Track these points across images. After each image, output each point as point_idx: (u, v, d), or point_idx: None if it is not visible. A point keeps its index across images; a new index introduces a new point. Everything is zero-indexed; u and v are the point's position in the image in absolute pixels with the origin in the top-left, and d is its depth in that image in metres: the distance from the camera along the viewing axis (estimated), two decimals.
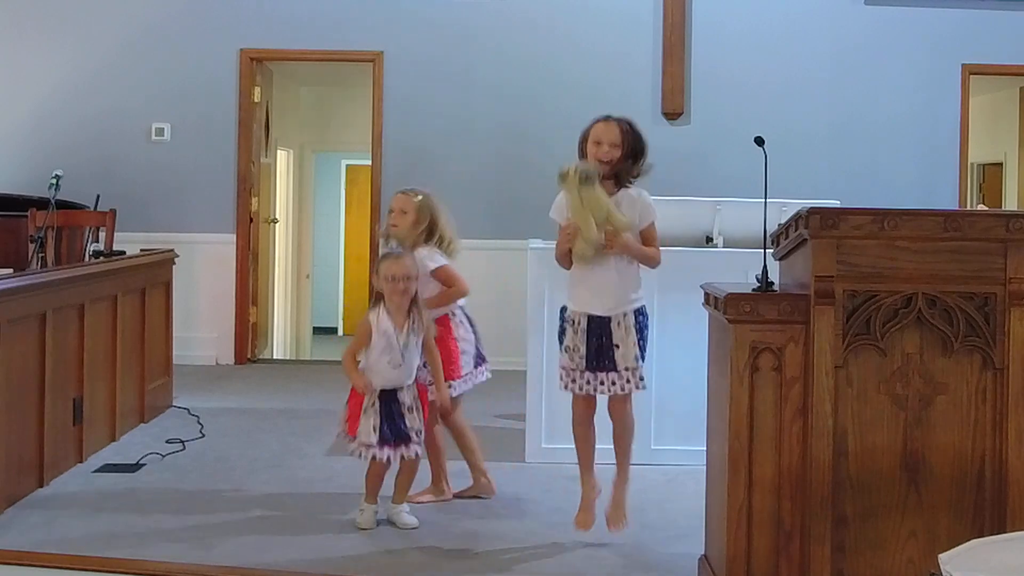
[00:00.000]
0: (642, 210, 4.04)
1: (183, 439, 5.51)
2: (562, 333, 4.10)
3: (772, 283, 3.38)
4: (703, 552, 3.72)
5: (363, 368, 4.21)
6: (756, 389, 3.29)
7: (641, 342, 4.04)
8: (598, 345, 4.00)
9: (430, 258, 4.49)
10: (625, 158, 4.03)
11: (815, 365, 3.23)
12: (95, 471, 4.94)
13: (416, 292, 4.24)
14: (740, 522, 3.30)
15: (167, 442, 5.45)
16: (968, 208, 8.64)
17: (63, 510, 4.38)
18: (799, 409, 3.27)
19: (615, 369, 4.00)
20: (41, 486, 4.63)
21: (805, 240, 3.28)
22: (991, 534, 3.16)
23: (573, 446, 4.17)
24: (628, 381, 4.01)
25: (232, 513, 4.41)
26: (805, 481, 3.26)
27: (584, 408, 4.11)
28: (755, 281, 3.38)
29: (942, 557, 2.26)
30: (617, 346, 3.99)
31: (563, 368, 4.08)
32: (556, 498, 4.64)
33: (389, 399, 4.18)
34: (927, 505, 3.27)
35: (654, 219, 4.07)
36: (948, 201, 7.83)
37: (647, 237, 4.06)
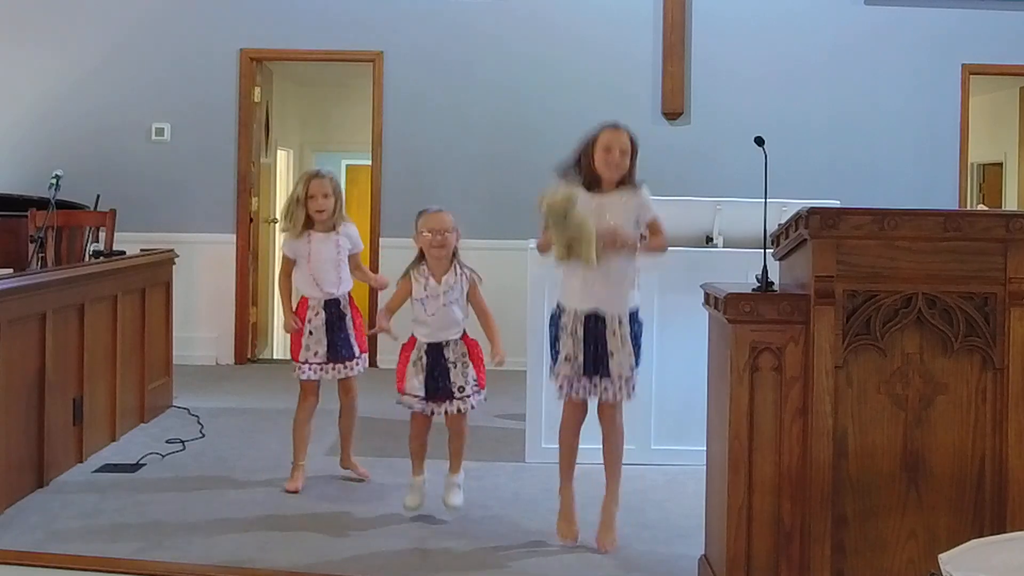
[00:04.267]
0: (641, 207, 4.02)
1: (183, 439, 5.51)
2: (555, 340, 4.07)
3: (772, 283, 3.38)
4: (703, 552, 3.73)
5: (412, 322, 4.34)
6: (756, 389, 3.29)
7: (636, 350, 4.04)
8: (595, 351, 3.98)
9: (359, 240, 4.86)
10: (632, 165, 4.03)
11: (815, 365, 3.23)
12: (95, 471, 4.94)
13: (456, 248, 4.35)
14: (740, 522, 3.30)
15: (167, 442, 5.46)
16: (968, 208, 8.65)
17: (63, 510, 4.38)
18: (799, 409, 3.27)
19: (608, 376, 3.99)
20: (41, 486, 4.63)
21: (805, 240, 3.28)
22: (991, 534, 3.16)
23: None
24: (620, 389, 4.00)
25: (232, 513, 4.41)
26: (805, 481, 3.26)
27: (576, 413, 4.10)
28: (755, 281, 3.38)
29: (942, 557, 2.26)
30: (612, 354, 3.98)
31: (562, 376, 4.04)
32: (556, 498, 4.62)
33: (434, 354, 4.28)
34: (927, 505, 3.27)
35: (655, 212, 4.05)
36: (948, 201, 7.83)
37: (653, 229, 4.06)
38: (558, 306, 4.10)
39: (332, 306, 4.74)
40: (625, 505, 4.19)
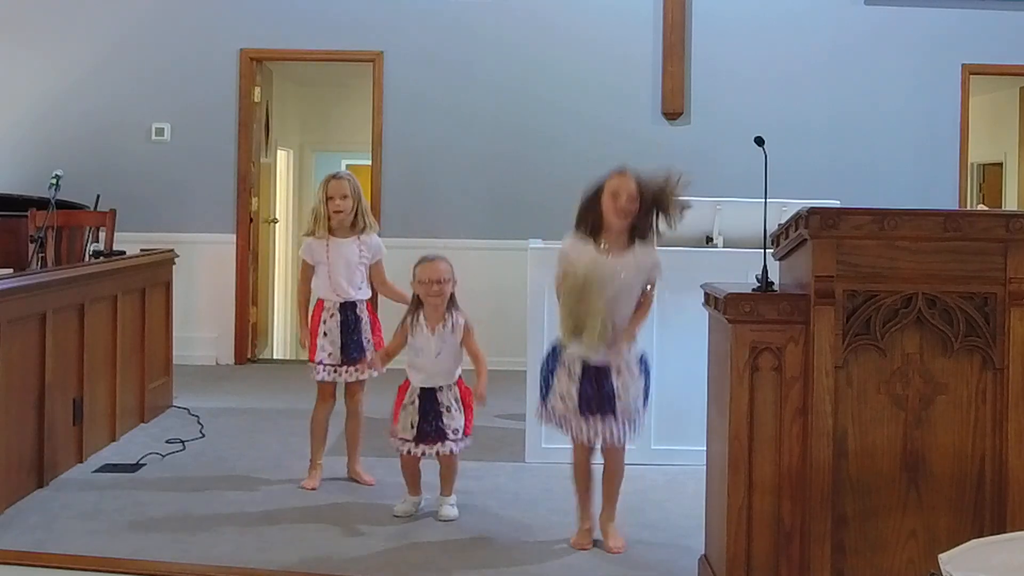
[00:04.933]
0: (651, 270, 3.99)
1: (183, 439, 5.51)
2: (550, 374, 4.04)
3: (772, 283, 3.38)
4: (703, 552, 3.73)
5: (407, 367, 4.40)
6: (756, 389, 3.29)
7: (646, 390, 4.03)
8: (595, 391, 3.94)
9: (382, 247, 4.89)
10: (641, 211, 3.95)
11: (815, 365, 3.23)
12: (95, 471, 4.94)
13: (452, 295, 4.38)
14: (740, 522, 3.30)
15: (167, 442, 5.46)
16: (968, 208, 8.64)
17: (63, 510, 4.38)
18: (799, 409, 3.27)
19: (613, 414, 3.95)
20: (41, 486, 4.63)
21: (805, 240, 3.28)
22: (991, 534, 3.16)
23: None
24: (623, 430, 3.97)
25: (232, 513, 4.41)
26: (805, 481, 3.26)
27: (584, 453, 4.09)
28: (755, 281, 3.38)
29: (942, 557, 2.26)
30: (619, 396, 3.94)
31: (558, 414, 4.02)
32: (556, 498, 4.64)
33: (428, 398, 4.32)
34: (927, 505, 3.27)
35: (657, 279, 4.03)
36: (948, 201, 7.83)
37: (646, 293, 4.03)
38: (557, 347, 4.06)
39: (348, 309, 4.76)
40: (625, 505, 4.19)
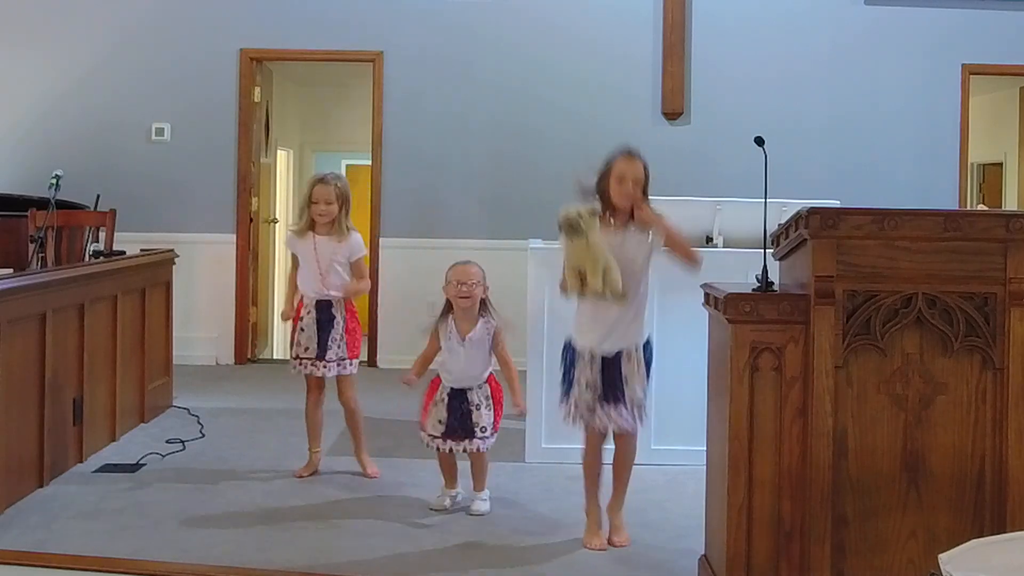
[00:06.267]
0: (654, 224, 4.01)
1: (183, 439, 5.51)
2: (570, 367, 4.06)
3: (772, 283, 3.38)
4: (703, 552, 3.73)
5: (439, 366, 4.47)
6: (756, 389, 3.29)
7: (648, 376, 4.06)
8: (610, 378, 3.99)
9: (360, 246, 4.92)
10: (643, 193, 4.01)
11: (815, 365, 3.23)
12: (95, 471, 4.94)
13: (487, 301, 4.45)
14: (740, 522, 3.30)
15: (167, 442, 5.46)
16: (968, 208, 8.64)
17: (63, 510, 4.38)
18: (799, 409, 3.27)
19: (623, 401, 3.99)
20: (41, 486, 4.63)
21: (805, 240, 3.28)
22: (991, 534, 3.16)
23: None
24: (633, 414, 4.01)
25: (232, 513, 4.41)
26: (805, 481, 3.26)
27: (598, 440, 4.11)
28: (755, 281, 3.38)
29: (942, 557, 2.26)
30: (627, 380, 3.99)
31: (582, 404, 4.01)
32: (556, 498, 4.64)
33: (459, 397, 4.40)
34: (927, 505, 3.27)
35: (667, 229, 4.03)
36: (948, 201, 7.83)
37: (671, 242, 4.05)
38: (572, 342, 4.08)
39: (323, 308, 4.84)
40: (625, 505, 4.19)
